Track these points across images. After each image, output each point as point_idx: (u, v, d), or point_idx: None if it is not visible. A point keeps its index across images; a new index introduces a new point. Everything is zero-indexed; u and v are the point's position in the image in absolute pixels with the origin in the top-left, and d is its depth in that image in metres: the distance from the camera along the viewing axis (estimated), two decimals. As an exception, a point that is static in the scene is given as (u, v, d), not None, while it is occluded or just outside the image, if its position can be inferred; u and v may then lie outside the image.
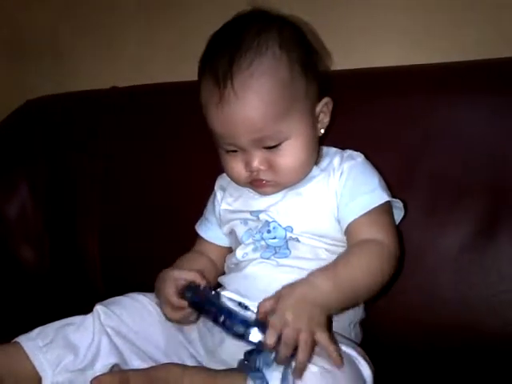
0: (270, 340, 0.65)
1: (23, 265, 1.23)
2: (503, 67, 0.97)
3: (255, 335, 0.67)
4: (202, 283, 0.78)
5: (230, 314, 0.70)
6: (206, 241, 0.93)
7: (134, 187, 1.18)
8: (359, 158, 0.85)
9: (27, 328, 0.79)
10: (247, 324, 0.68)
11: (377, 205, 0.79)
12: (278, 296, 0.69)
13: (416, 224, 0.91)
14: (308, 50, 0.81)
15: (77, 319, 0.79)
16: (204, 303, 0.74)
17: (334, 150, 0.88)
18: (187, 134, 1.12)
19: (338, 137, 0.90)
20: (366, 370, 0.70)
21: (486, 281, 0.90)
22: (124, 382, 0.67)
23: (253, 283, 0.79)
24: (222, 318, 0.70)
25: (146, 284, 0.83)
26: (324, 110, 0.83)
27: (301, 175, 0.82)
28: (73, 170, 1.23)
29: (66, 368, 0.75)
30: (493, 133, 0.93)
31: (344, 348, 0.70)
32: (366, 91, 1.01)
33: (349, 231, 0.79)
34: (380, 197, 0.80)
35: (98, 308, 0.79)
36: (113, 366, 0.77)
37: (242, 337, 0.67)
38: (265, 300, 0.69)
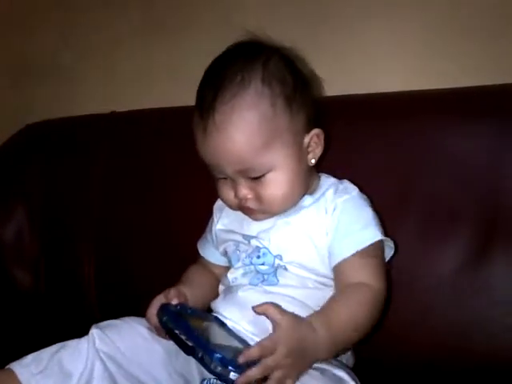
0: (251, 354, 0.65)
1: (19, 288, 1.22)
2: (497, 93, 0.98)
3: (232, 376, 0.65)
4: (174, 301, 0.79)
5: (207, 350, 0.67)
6: (205, 259, 0.94)
7: (131, 212, 1.18)
8: (354, 191, 0.84)
9: (22, 351, 0.78)
10: (225, 364, 0.65)
11: (369, 243, 0.79)
12: (284, 320, 0.68)
13: (409, 247, 0.91)
14: (296, 82, 0.81)
15: (71, 343, 0.78)
16: (180, 332, 0.71)
17: (331, 180, 0.87)
18: (186, 158, 1.10)
19: (329, 163, 0.89)
20: None
21: (480, 304, 0.90)
22: None
23: (241, 309, 0.79)
24: (200, 354, 0.67)
25: (141, 308, 0.82)
26: (314, 140, 0.83)
27: (287, 205, 0.82)
28: (70, 195, 1.24)
29: (60, 395, 0.74)
30: (486, 156, 0.94)
31: (332, 369, 0.71)
32: (357, 117, 1.02)
33: (338, 270, 0.79)
34: (373, 235, 0.79)
35: (94, 332, 0.79)
36: (105, 393, 0.76)
37: (219, 376, 0.66)
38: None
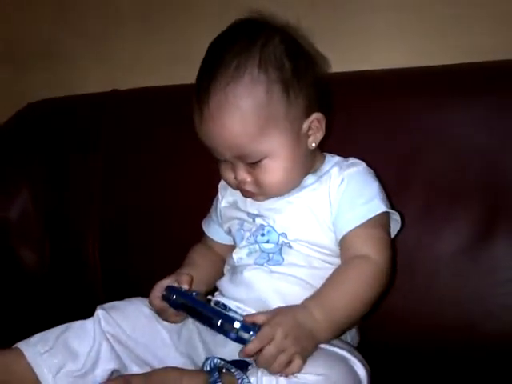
0: (251, 350, 0.66)
1: (24, 267, 1.23)
2: (498, 69, 0.97)
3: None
4: (185, 286, 0.80)
5: (226, 318, 0.70)
6: (210, 238, 0.95)
7: (135, 190, 1.18)
8: (361, 165, 0.84)
9: (27, 330, 0.80)
10: (247, 329, 0.68)
11: (373, 215, 0.79)
12: (275, 313, 0.70)
13: (412, 228, 0.91)
14: (295, 66, 0.79)
15: (76, 324, 0.79)
16: (193, 305, 0.74)
17: (336, 158, 0.87)
18: (188, 136, 1.10)
19: (327, 142, 0.88)
20: (361, 371, 0.71)
21: (483, 284, 0.90)
22: None
23: (246, 289, 0.80)
24: (219, 322, 0.69)
25: (146, 286, 0.83)
26: (315, 124, 0.82)
27: (285, 189, 0.82)
28: (73, 173, 1.23)
29: (67, 373, 0.76)
30: (487, 137, 0.94)
31: (337, 350, 0.71)
32: (358, 95, 1.01)
33: (343, 243, 0.79)
34: (377, 207, 0.79)
35: (99, 313, 0.80)
36: (112, 372, 0.77)
37: (241, 341, 0.68)
38: (260, 313, 0.71)
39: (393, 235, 0.85)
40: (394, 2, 1.11)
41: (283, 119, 0.78)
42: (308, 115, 0.81)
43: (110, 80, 1.30)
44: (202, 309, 0.73)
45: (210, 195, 0.94)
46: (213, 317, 0.70)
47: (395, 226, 0.84)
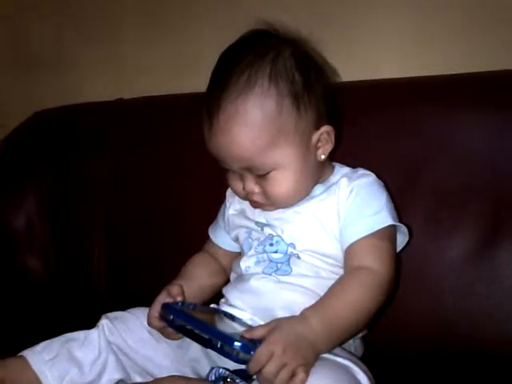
0: (251, 370, 0.66)
1: (29, 275, 1.23)
2: (506, 79, 0.97)
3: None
4: (178, 298, 0.79)
5: (225, 339, 0.67)
6: (216, 244, 0.94)
7: (140, 198, 1.19)
8: (371, 177, 0.84)
9: (32, 338, 0.80)
10: (247, 350, 0.66)
11: (380, 227, 0.78)
12: (272, 327, 0.69)
13: (419, 235, 0.90)
14: (306, 80, 0.79)
15: (81, 334, 0.80)
16: (192, 327, 0.71)
17: (345, 169, 0.87)
18: (193, 144, 1.11)
19: (337, 151, 0.88)
20: (364, 381, 0.70)
21: (488, 291, 0.90)
22: None
23: (254, 298, 0.79)
24: (218, 344, 0.67)
25: (150, 295, 0.83)
26: (324, 137, 0.81)
27: (293, 200, 0.81)
28: (79, 182, 1.24)
29: (72, 382, 0.76)
30: (494, 146, 0.93)
31: (339, 360, 0.70)
32: (365, 104, 1.01)
33: (347, 252, 0.79)
34: (384, 220, 0.79)
35: (104, 323, 0.80)
36: (118, 382, 0.78)
37: (243, 362, 0.67)
38: (257, 328, 0.70)
39: (400, 248, 0.84)
40: (393, 13, 1.11)
41: (293, 132, 0.77)
42: (317, 127, 0.80)
43: (116, 88, 1.31)
44: (200, 331, 0.70)
45: (215, 202, 0.95)
46: (212, 339, 0.68)
47: (403, 239, 0.84)
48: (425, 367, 0.89)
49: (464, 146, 0.94)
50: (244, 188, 0.80)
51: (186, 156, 1.13)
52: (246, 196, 0.82)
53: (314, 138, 0.80)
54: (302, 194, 0.82)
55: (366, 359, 0.79)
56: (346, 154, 0.90)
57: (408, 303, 0.91)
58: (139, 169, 1.19)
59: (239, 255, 0.88)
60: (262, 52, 0.77)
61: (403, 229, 0.82)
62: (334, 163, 0.88)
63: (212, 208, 0.96)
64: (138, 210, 1.18)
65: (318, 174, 0.84)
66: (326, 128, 0.81)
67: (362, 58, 1.13)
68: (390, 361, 0.88)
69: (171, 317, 0.74)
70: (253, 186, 0.79)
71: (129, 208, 1.19)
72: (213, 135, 0.77)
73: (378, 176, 0.85)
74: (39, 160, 1.27)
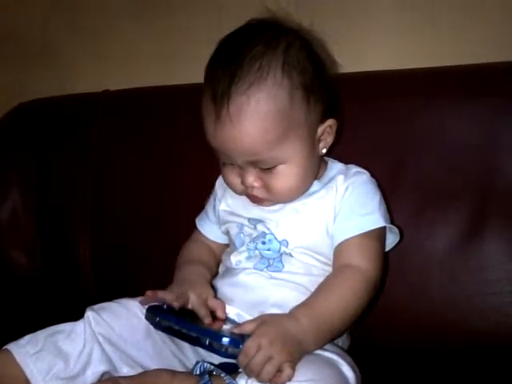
0: (241, 364, 0.66)
1: (15, 269, 1.22)
2: (494, 71, 0.97)
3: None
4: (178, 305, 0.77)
5: (213, 336, 0.68)
6: (204, 236, 0.93)
7: (126, 190, 1.18)
8: (365, 175, 0.84)
9: (18, 332, 0.79)
10: (236, 344, 0.67)
11: (371, 229, 0.78)
12: (261, 321, 0.69)
13: (403, 226, 0.90)
14: (315, 72, 0.77)
15: (67, 326, 0.78)
16: (179, 327, 0.72)
17: (339, 165, 0.86)
18: (180, 136, 1.12)
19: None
20: (350, 373, 0.70)
21: (472, 282, 0.91)
22: None
23: (244, 292, 0.79)
24: (207, 341, 0.68)
25: (137, 288, 0.82)
26: (327, 131, 0.81)
27: (295, 195, 0.81)
28: (64, 175, 1.23)
29: (57, 375, 0.75)
30: (478, 136, 0.94)
31: (325, 353, 0.71)
32: (351, 96, 1.00)
33: (337, 250, 0.79)
34: (376, 221, 0.79)
35: (89, 314, 0.79)
36: (103, 374, 0.77)
37: (232, 357, 0.67)
38: (246, 322, 0.70)
39: (390, 247, 0.85)
40: (387, 4, 1.11)
41: (303, 125, 0.76)
42: (323, 121, 0.80)
43: (102, 79, 1.29)
44: (187, 330, 0.71)
45: (202, 195, 0.94)
46: (200, 337, 0.69)
47: (394, 239, 0.84)
48: (411, 358, 0.90)
49: (451, 139, 0.95)
50: (243, 182, 0.78)
51: (173, 147, 1.12)
52: (244, 191, 0.80)
53: (319, 131, 0.80)
54: (304, 189, 0.81)
55: (352, 351, 0.79)
56: (333, 145, 0.89)
57: (393, 294, 0.92)
58: (125, 161, 1.18)
59: (227, 246, 0.88)
60: (272, 42, 0.75)
61: (394, 229, 0.83)
62: (325, 158, 0.88)
63: (199, 201, 0.95)
64: (125, 202, 1.17)
65: (317, 168, 0.83)
66: (330, 122, 0.80)
67: (350, 50, 1.12)
68: (376, 352, 0.88)
69: (157, 319, 0.75)
70: (253, 181, 0.78)
71: (116, 202, 1.18)
72: (219, 126, 0.74)
73: (361, 167, 0.85)
74: (24, 152, 1.26)
